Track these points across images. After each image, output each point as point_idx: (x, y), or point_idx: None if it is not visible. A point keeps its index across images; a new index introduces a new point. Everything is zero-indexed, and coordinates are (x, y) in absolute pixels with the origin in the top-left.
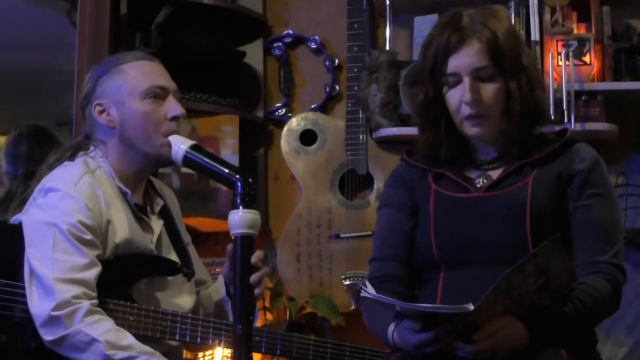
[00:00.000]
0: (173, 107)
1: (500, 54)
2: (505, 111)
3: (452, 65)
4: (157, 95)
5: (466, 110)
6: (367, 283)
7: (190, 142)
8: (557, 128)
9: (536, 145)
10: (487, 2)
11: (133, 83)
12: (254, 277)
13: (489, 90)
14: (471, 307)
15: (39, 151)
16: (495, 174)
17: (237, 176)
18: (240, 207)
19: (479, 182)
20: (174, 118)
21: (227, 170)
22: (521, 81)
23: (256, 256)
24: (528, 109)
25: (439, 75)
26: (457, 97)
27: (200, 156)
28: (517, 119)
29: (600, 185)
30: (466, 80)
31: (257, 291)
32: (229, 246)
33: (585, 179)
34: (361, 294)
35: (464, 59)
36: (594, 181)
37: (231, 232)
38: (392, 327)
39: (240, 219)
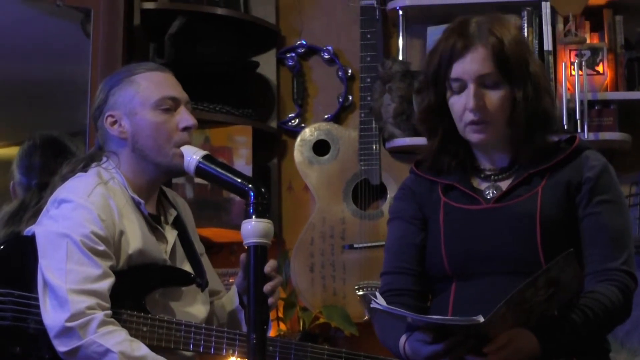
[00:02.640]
0: (185, 117)
1: (506, 61)
2: (510, 119)
3: (457, 71)
4: (169, 106)
5: (469, 116)
6: (378, 294)
7: (203, 153)
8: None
9: (545, 154)
10: (499, 12)
11: (145, 94)
12: (267, 287)
13: (494, 97)
14: (481, 319)
15: (52, 162)
16: (504, 184)
17: (250, 186)
18: (253, 217)
19: (488, 193)
20: (186, 128)
21: (239, 180)
22: (527, 89)
23: (269, 265)
24: (534, 117)
25: (442, 81)
26: (461, 104)
27: (213, 166)
28: (521, 127)
29: (609, 192)
30: (471, 87)
31: (270, 300)
32: (242, 256)
33: (593, 186)
34: (371, 305)
35: (469, 66)
36: (602, 188)
37: (244, 242)
38: (403, 338)
39: (253, 228)
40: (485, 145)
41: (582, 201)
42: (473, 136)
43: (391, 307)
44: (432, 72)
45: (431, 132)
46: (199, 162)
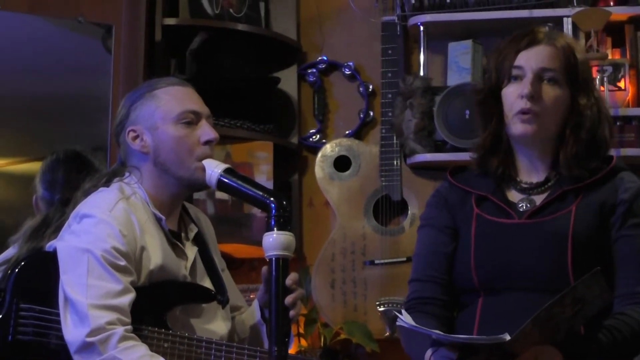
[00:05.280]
0: (206, 131)
1: (573, 65)
2: (571, 126)
3: (520, 59)
4: (190, 119)
5: (520, 104)
6: (403, 311)
7: (224, 166)
8: None
9: (582, 172)
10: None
11: (166, 108)
12: (288, 299)
13: (550, 92)
14: (507, 337)
15: (75, 177)
16: (538, 199)
17: (272, 198)
18: (275, 229)
19: (522, 206)
20: (208, 142)
21: (261, 193)
22: (593, 104)
23: (291, 278)
24: (592, 141)
25: (506, 69)
26: (515, 92)
27: (234, 179)
28: (583, 140)
29: None
30: (529, 76)
31: (292, 313)
32: (264, 269)
33: (628, 209)
34: (397, 323)
35: (534, 57)
36: (636, 211)
37: (266, 254)
38: (429, 353)
39: (274, 240)
40: (529, 145)
41: (615, 223)
42: (519, 127)
43: (416, 325)
44: (496, 62)
45: (485, 119)
46: (221, 175)
